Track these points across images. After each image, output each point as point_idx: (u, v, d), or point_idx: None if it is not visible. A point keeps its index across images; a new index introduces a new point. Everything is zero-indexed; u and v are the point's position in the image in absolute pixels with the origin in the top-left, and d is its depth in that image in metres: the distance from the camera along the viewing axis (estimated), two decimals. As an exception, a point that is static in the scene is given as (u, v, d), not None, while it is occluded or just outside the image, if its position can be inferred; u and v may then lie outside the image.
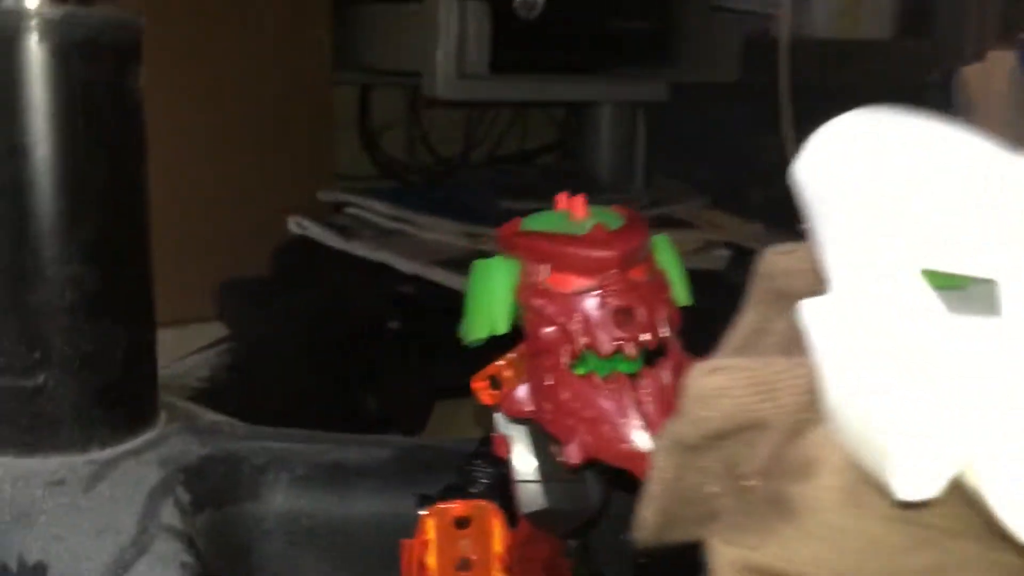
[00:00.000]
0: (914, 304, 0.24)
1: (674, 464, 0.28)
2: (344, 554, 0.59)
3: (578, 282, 0.43)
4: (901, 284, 0.25)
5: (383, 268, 1.20)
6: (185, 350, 1.06)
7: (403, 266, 1.19)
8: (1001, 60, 1.14)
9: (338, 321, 1.14)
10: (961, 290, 0.26)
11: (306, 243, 1.28)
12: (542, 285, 0.43)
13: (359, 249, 1.23)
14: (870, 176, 0.26)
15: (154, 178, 1.06)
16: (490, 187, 1.45)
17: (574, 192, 0.46)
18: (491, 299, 0.44)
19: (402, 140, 1.67)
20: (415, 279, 1.18)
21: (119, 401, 0.56)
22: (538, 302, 0.43)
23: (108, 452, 0.55)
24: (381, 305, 1.17)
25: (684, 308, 0.45)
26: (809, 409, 0.27)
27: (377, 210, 1.33)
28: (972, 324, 0.24)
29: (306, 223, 1.28)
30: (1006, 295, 0.24)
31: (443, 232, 1.28)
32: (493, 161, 1.72)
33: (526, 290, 0.44)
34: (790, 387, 0.27)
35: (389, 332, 1.16)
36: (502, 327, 0.45)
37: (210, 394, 0.70)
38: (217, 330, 1.19)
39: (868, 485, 0.26)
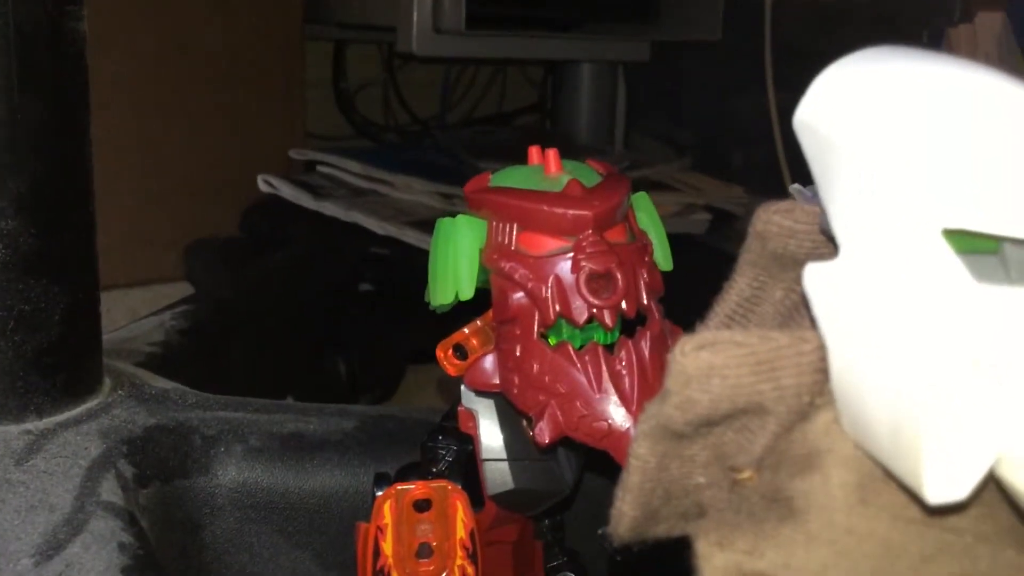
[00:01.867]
0: (940, 270, 0.21)
1: (656, 452, 0.24)
2: (301, 531, 0.56)
3: (550, 243, 0.39)
4: (924, 246, 0.21)
5: (355, 229, 1.17)
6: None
7: (376, 227, 1.16)
8: (989, 22, 1.12)
9: (308, 283, 1.10)
10: (989, 255, 0.22)
11: (276, 202, 1.24)
12: (511, 246, 0.40)
13: (331, 209, 1.20)
14: (888, 120, 0.22)
15: (121, 136, 1.02)
16: (466, 147, 1.42)
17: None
18: (456, 261, 0.41)
19: (378, 100, 1.63)
20: (388, 240, 1.15)
21: (58, 367, 0.52)
22: (506, 265, 0.39)
23: (45, 422, 0.51)
24: (353, 267, 1.14)
25: (664, 274, 0.42)
26: (814, 392, 0.23)
27: (350, 169, 1.29)
28: (1005, 294, 0.21)
29: (276, 182, 1.24)
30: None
31: (417, 193, 1.25)
32: (471, 123, 1.68)
33: (494, 251, 0.40)
34: (793, 366, 0.23)
35: (361, 294, 1.13)
36: (467, 292, 0.41)
37: (163, 360, 0.66)
38: (185, 291, 1.16)
39: (883, 480, 0.22)
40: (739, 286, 0.28)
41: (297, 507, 0.56)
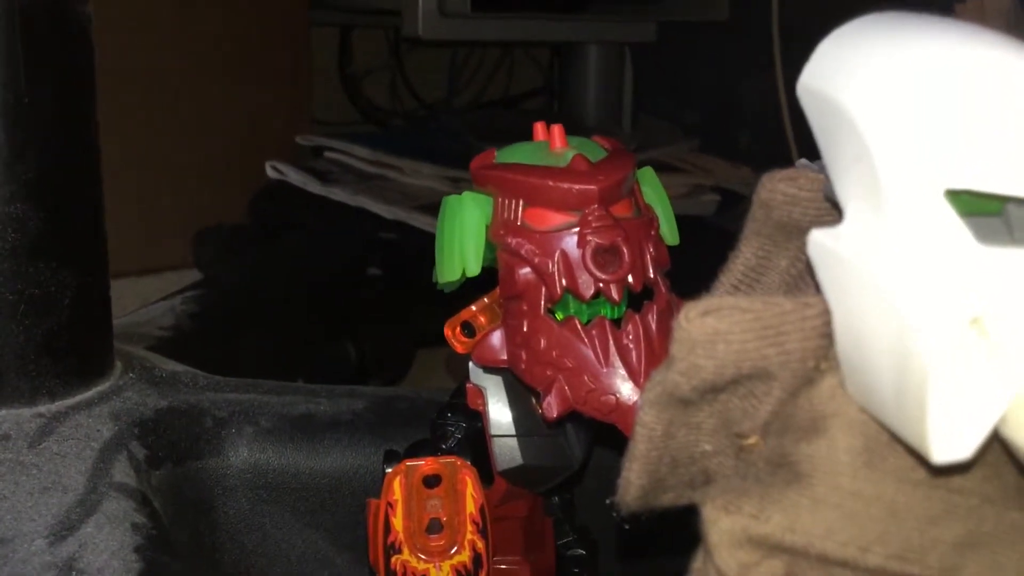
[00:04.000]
0: (942, 230, 0.21)
1: (663, 419, 0.24)
2: (313, 511, 0.56)
3: (556, 218, 0.39)
4: (926, 208, 0.21)
5: (363, 214, 1.17)
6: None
7: (384, 212, 1.16)
8: (998, -2, 1.11)
9: (317, 268, 1.11)
10: (993, 216, 0.22)
11: (284, 189, 1.24)
12: (517, 222, 0.40)
13: (338, 194, 1.20)
14: (891, 82, 0.22)
15: (128, 124, 1.03)
16: (474, 131, 1.41)
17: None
18: (461, 238, 0.41)
19: (384, 85, 1.63)
20: (396, 225, 1.15)
21: (69, 350, 0.52)
22: (513, 240, 0.39)
23: (57, 405, 0.51)
24: (361, 251, 1.14)
25: (671, 251, 0.42)
26: (819, 357, 0.23)
27: (357, 154, 1.29)
28: (1007, 254, 0.21)
29: (284, 168, 1.24)
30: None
31: (425, 177, 1.25)
32: (478, 106, 1.68)
33: (500, 227, 0.40)
34: (797, 331, 0.23)
35: (369, 279, 1.13)
36: (474, 268, 0.41)
37: (173, 343, 0.66)
38: (195, 278, 1.16)
39: (888, 444, 0.22)
40: (744, 256, 0.28)
41: (308, 487, 0.56)
